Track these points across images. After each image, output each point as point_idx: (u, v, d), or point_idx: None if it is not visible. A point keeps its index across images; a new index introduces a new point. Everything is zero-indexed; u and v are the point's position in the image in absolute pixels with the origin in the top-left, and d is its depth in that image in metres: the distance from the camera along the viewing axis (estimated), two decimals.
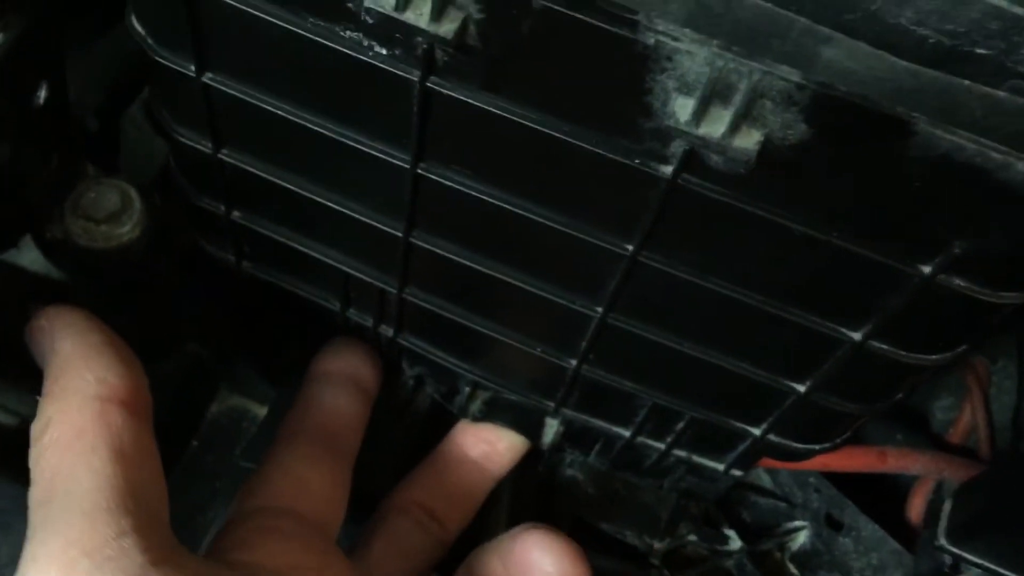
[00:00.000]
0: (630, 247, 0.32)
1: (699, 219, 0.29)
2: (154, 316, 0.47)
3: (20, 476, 0.45)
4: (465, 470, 0.46)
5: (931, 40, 0.22)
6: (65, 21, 0.39)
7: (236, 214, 0.41)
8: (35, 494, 0.32)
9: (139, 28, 0.33)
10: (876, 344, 0.31)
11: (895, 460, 0.46)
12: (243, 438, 0.50)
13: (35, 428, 0.33)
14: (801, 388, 0.35)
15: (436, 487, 0.45)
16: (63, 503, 0.31)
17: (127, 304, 0.46)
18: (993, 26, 0.21)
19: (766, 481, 0.51)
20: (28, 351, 0.38)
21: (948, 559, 0.40)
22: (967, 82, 0.22)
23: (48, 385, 0.34)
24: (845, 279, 0.29)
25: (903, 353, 0.31)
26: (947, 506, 0.40)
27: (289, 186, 0.37)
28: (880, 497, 0.51)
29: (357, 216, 0.37)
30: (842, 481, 0.50)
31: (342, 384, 0.45)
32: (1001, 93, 0.22)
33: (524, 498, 0.48)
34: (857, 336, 0.31)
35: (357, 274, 0.41)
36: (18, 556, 0.31)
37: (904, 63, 0.22)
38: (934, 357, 0.31)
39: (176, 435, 0.48)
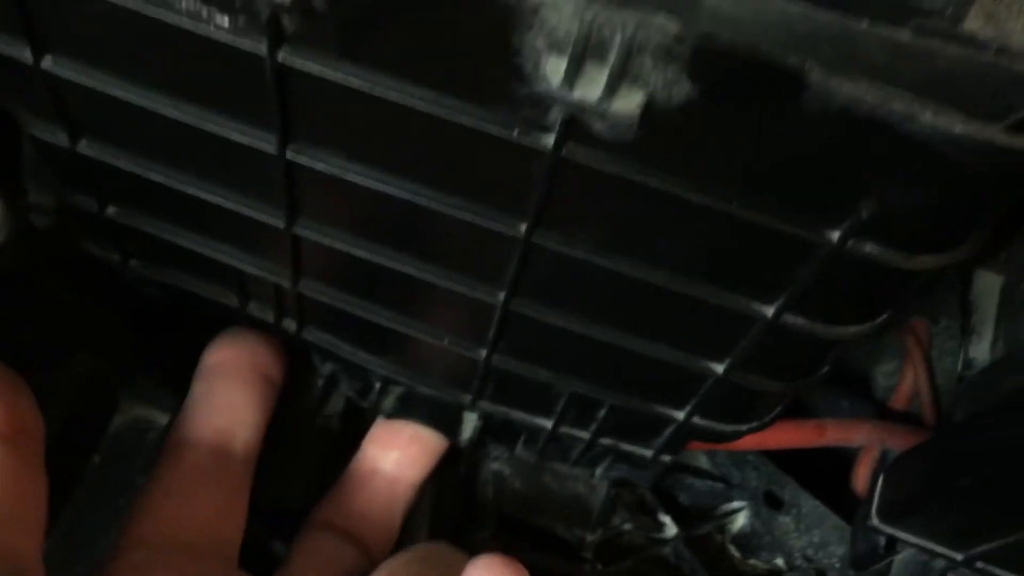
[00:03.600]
0: (523, 227, 0.29)
1: (590, 193, 0.27)
2: (36, 326, 0.44)
3: None
4: (379, 484, 0.43)
5: None
6: None
7: (112, 211, 0.38)
8: None
9: None
10: (790, 319, 0.29)
11: (835, 432, 0.44)
12: (148, 451, 0.47)
13: None
14: (719, 368, 0.33)
15: (351, 507, 0.43)
16: None
17: (6, 312, 0.43)
18: None
19: (703, 462, 0.49)
20: None
21: (883, 538, 0.39)
22: (866, 23, 0.20)
23: None
24: (750, 251, 0.27)
25: (820, 326, 0.29)
26: (879, 483, 0.39)
27: (157, 178, 0.34)
28: (824, 469, 0.49)
29: (234, 208, 0.34)
30: (783, 457, 0.48)
31: (237, 374, 0.41)
32: (904, 34, 0.20)
33: (446, 498, 0.45)
34: (769, 311, 0.29)
35: (247, 268, 0.38)
36: None
37: (796, 6, 0.20)
38: (853, 329, 0.29)
39: (74, 451, 0.45)
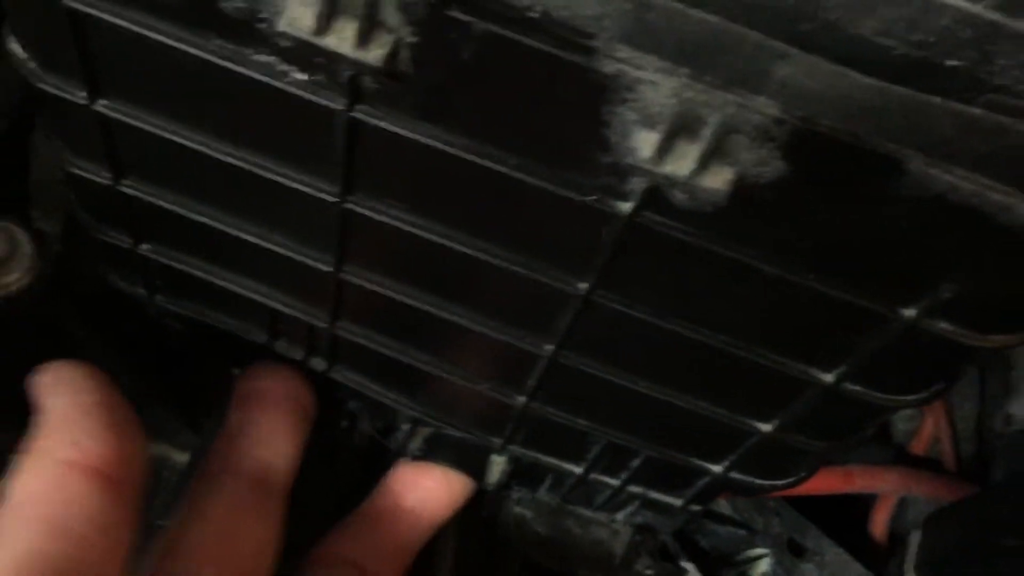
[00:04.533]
0: (583, 286, 0.29)
1: (659, 257, 0.27)
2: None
3: None
4: (398, 521, 0.43)
5: (897, 52, 0.19)
6: None
7: (145, 247, 0.37)
8: None
9: (19, 52, 0.29)
10: (849, 386, 0.29)
11: (862, 480, 0.44)
12: (164, 489, 0.46)
13: (5, 485, 0.31)
14: (766, 428, 0.33)
15: (366, 541, 0.42)
16: None
17: (23, 352, 0.42)
18: (965, 35, 0.19)
19: (724, 507, 0.49)
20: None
21: None
22: (938, 99, 0.20)
23: (29, 443, 0.32)
24: (819, 321, 0.27)
25: (878, 395, 0.29)
26: (915, 537, 0.39)
27: (202, 219, 0.34)
28: (841, 515, 0.49)
29: (280, 251, 0.34)
30: (803, 502, 0.48)
31: (276, 404, 0.40)
32: (975, 110, 0.20)
33: (470, 541, 0.45)
34: (829, 378, 0.29)
35: (283, 308, 0.37)
36: None
37: (868, 80, 0.20)
38: (910, 398, 0.29)
39: None
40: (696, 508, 0.41)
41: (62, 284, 0.40)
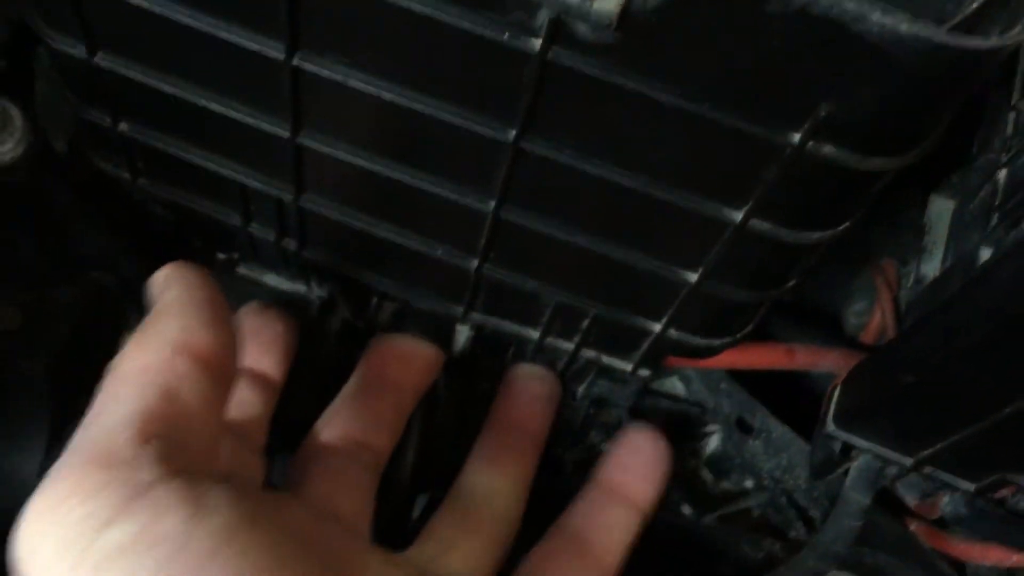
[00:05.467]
0: (512, 133, 0.31)
1: (575, 98, 0.29)
2: (49, 241, 0.46)
3: None
4: (385, 392, 0.45)
5: None
6: None
7: (124, 126, 0.40)
8: (85, 417, 0.32)
9: None
10: (758, 224, 0.31)
11: (804, 357, 0.46)
12: None
13: (112, 361, 0.33)
14: (693, 277, 0.35)
15: (360, 417, 0.45)
16: (99, 425, 0.30)
17: (15, 228, 0.44)
18: None
19: (679, 389, 0.51)
20: None
21: (837, 446, 0.41)
22: None
23: (140, 326, 0.35)
24: (721, 154, 0.29)
25: (784, 231, 0.31)
26: (836, 392, 0.41)
27: (170, 90, 0.36)
28: (795, 401, 0.51)
29: (242, 119, 0.36)
30: (754, 386, 0.50)
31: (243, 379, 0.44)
32: None
33: (440, 412, 0.48)
34: (738, 216, 0.31)
35: (251, 183, 0.40)
36: None
37: None
38: (816, 235, 0.31)
39: (85, 364, 0.47)
40: (645, 373, 0.43)
41: (54, 163, 0.43)
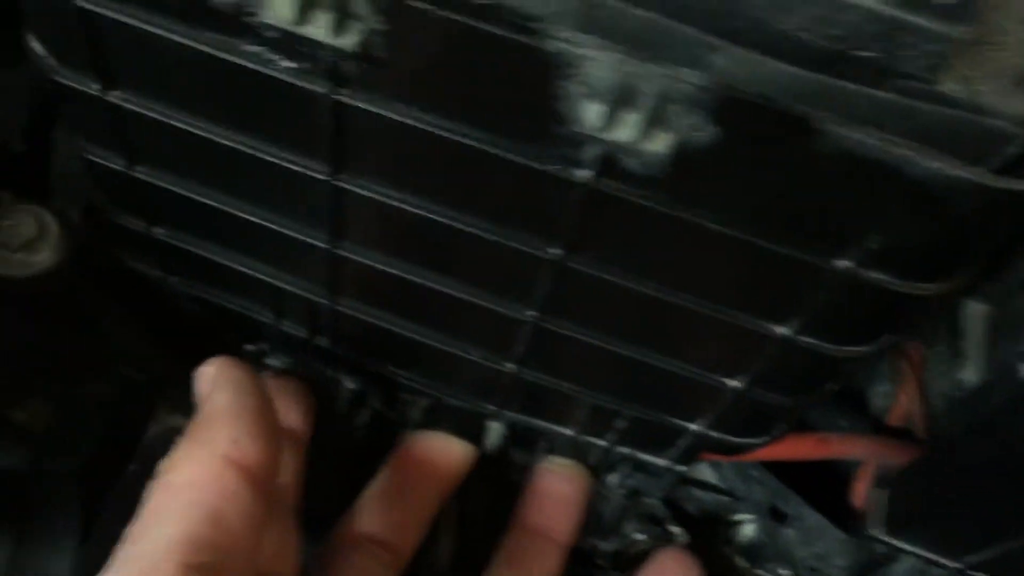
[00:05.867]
0: (555, 252, 0.31)
1: (621, 222, 0.29)
2: (79, 340, 0.46)
3: None
4: (412, 492, 0.45)
5: (815, 45, 0.22)
6: None
7: (159, 231, 0.40)
8: (131, 529, 0.32)
9: (39, 49, 0.32)
10: (803, 339, 0.31)
11: (837, 445, 0.46)
12: None
13: (163, 463, 0.33)
14: (735, 384, 0.35)
15: (385, 517, 0.44)
16: (143, 547, 0.30)
17: (48, 329, 0.45)
18: (872, 29, 0.21)
19: (710, 476, 0.51)
20: None
21: (881, 548, 0.41)
22: (851, 85, 0.22)
23: (190, 428, 0.35)
24: (766, 276, 0.29)
25: (829, 346, 0.31)
26: (879, 496, 0.41)
27: (208, 201, 0.37)
28: (823, 487, 0.51)
29: (280, 229, 0.36)
30: (784, 472, 0.50)
31: None
32: (884, 94, 0.22)
33: (471, 508, 0.47)
34: (784, 331, 0.31)
35: (286, 287, 0.40)
36: None
37: (789, 68, 0.22)
38: (860, 348, 0.31)
39: (112, 460, 0.47)
40: (681, 468, 0.43)
41: (85, 266, 0.43)
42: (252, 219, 0.36)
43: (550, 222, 0.30)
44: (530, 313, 0.35)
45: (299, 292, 0.40)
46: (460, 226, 0.32)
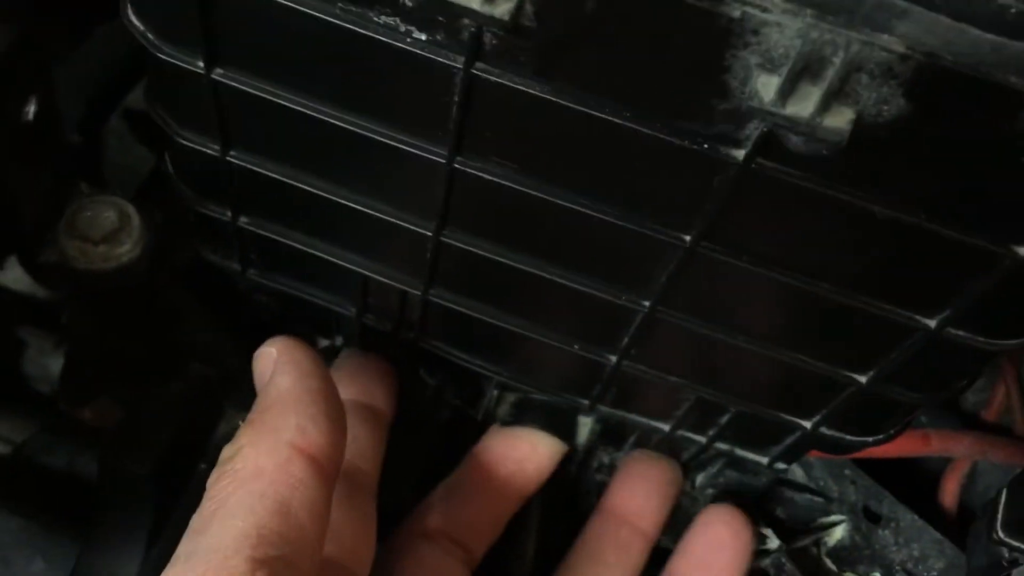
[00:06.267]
0: (688, 238, 0.30)
1: (769, 206, 0.27)
2: (155, 335, 0.44)
3: (13, 506, 0.42)
4: (490, 490, 0.44)
5: (1013, 10, 0.20)
6: (51, 30, 0.37)
7: (244, 220, 0.39)
8: (196, 520, 0.31)
9: (138, 23, 0.30)
10: (953, 331, 0.29)
11: (939, 443, 0.44)
12: None
13: (226, 450, 0.33)
14: (862, 379, 0.33)
15: (459, 512, 0.43)
16: (210, 540, 0.30)
17: (126, 324, 0.43)
18: None
19: (799, 476, 0.49)
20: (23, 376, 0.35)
21: (1006, 552, 0.39)
22: None
23: (253, 413, 0.34)
24: (928, 264, 0.27)
25: (981, 339, 0.29)
26: (1003, 496, 0.39)
27: (306, 187, 0.35)
28: (912, 486, 0.49)
29: (382, 216, 0.35)
30: (879, 472, 0.48)
31: (355, 414, 0.42)
32: None
33: (555, 506, 0.46)
34: (933, 323, 0.29)
35: (378, 277, 0.38)
36: None
37: (988, 35, 0.21)
38: (1014, 342, 0.29)
39: (184, 458, 0.45)
40: (782, 467, 0.41)
41: (164, 260, 0.41)
42: (353, 205, 0.35)
43: (687, 206, 0.29)
44: (645, 303, 0.34)
45: (391, 283, 0.38)
46: (587, 211, 0.30)
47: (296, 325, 0.46)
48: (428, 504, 0.44)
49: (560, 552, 0.45)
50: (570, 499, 0.47)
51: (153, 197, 0.42)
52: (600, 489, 0.46)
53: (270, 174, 0.35)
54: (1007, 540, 0.37)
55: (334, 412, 0.34)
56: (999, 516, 0.38)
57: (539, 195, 0.30)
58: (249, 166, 0.35)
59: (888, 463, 0.49)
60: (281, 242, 0.39)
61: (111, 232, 0.38)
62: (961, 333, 0.29)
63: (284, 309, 0.45)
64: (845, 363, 0.33)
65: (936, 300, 0.29)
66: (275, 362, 0.35)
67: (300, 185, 0.35)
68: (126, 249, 0.38)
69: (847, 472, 0.48)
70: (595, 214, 0.30)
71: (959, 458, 0.47)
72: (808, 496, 0.48)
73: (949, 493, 0.49)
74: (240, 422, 0.49)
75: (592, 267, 0.33)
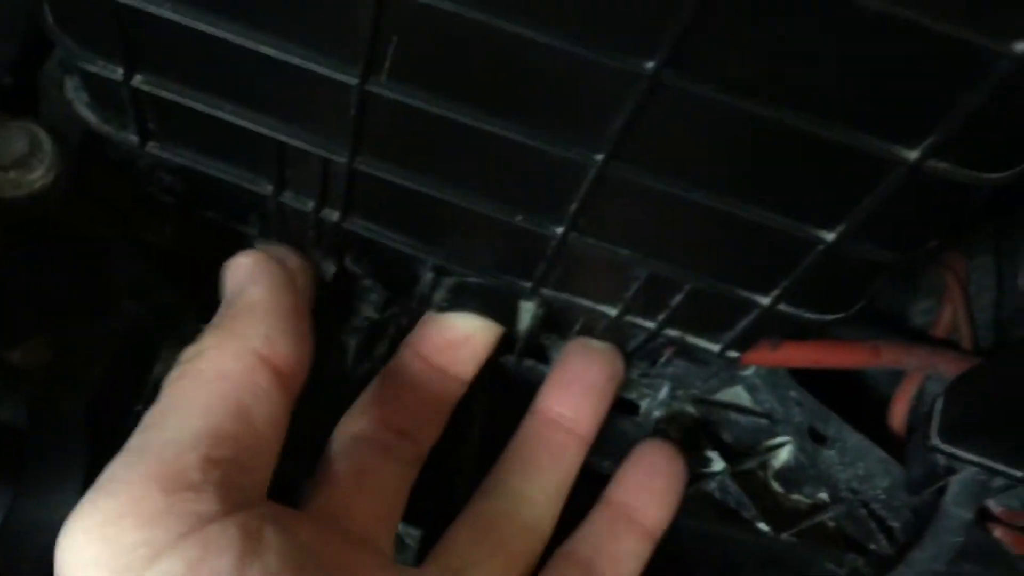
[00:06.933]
0: (649, 65, 0.26)
1: (746, 17, 0.24)
2: (81, 272, 0.41)
3: None
4: (430, 380, 0.40)
5: None
6: None
7: (139, 79, 0.34)
8: (150, 415, 0.31)
9: None
10: (934, 163, 0.27)
11: (889, 355, 0.42)
12: None
13: (188, 350, 0.33)
14: (830, 236, 0.30)
15: (400, 403, 0.39)
16: (165, 434, 0.30)
17: (48, 262, 0.39)
18: None
19: (744, 399, 0.47)
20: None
21: (941, 459, 0.38)
22: None
23: (220, 318, 0.34)
24: (914, 76, 0.24)
25: (965, 171, 0.27)
26: (938, 404, 0.38)
27: (211, 30, 0.30)
28: (859, 410, 0.48)
29: (300, 63, 0.30)
30: (824, 394, 0.46)
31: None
32: None
33: (499, 395, 0.42)
34: (915, 154, 0.26)
35: (296, 142, 0.34)
36: None
37: None
38: (998, 175, 0.27)
39: (117, 400, 0.41)
40: (734, 355, 0.38)
41: (86, 195, 0.39)
42: (264, 51, 0.30)
43: (641, 31, 0.25)
44: (598, 156, 0.30)
45: (310, 149, 0.34)
46: (540, 38, 0.26)
47: (206, 210, 0.42)
48: (362, 402, 0.40)
49: (504, 443, 0.41)
50: (514, 388, 0.43)
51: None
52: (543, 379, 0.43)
53: (169, 15, 0.30)
54: (942, 447, 0.36)
55: (303, 330, 0.34)
56: (933, 422, 0.37)
57: (481, 18, 0.26)
58: (143, 7, 0.30)
59: (835, 387, 0.47)
60: (184, 106, 0.34)
61: (21, 157, 0.35)
62: (943, 166, 0.27)
63: (191, 191, 0.41)
64: (815, 218, 0.30)
65: (921, 125, 0.26)
66: (249, 272, 0.35)
67: (204, 28, 0.30)
68: (38, 175, 0.36)
69: (792, 394, 0.46)
70: (548, 40, 0.26)
71: (909, 375, 0.46)
72: (753, 418, 0.46)
73: (897, 413, 0.47)
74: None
75: (540, 116, 0.30)
